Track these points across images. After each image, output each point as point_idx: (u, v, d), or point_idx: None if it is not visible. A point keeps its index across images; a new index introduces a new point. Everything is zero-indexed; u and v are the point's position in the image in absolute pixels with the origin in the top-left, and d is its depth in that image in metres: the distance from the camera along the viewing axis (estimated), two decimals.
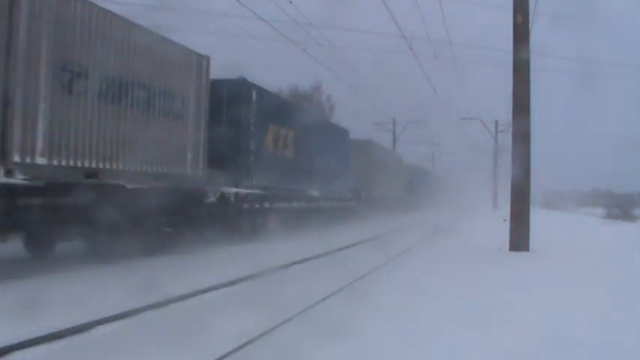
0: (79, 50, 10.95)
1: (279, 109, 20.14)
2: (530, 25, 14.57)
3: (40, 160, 10.13)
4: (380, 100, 69.20)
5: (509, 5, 14.53)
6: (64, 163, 10.65)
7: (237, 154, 17.04)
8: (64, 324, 6.62)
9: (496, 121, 56.25)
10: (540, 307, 7.77)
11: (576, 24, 62.26)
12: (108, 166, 11.77)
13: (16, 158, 9.61)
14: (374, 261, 12.70)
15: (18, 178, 9.63)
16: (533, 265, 12.32)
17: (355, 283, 9.98)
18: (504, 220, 16.69)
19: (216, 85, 16.42)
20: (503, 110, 53.34)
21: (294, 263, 12.81)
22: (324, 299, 8.38)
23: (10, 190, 9.56)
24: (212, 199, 15.58)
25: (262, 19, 17.36)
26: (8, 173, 9.51)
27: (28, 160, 9.84)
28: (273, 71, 56.74)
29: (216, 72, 16.00)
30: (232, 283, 10.09)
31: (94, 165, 11.39)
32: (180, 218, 14.10)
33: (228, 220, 16.49)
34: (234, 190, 16.63)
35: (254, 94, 17.73)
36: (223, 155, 16.14)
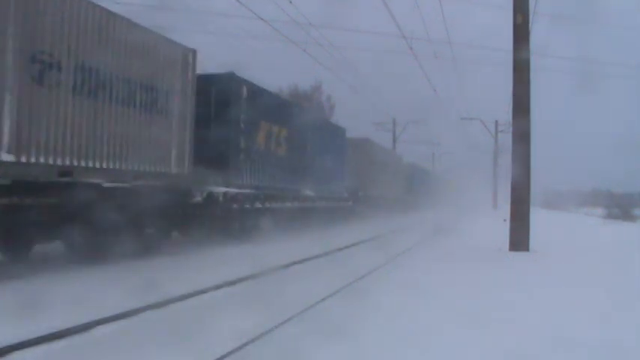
0: (50, 40, 10.18)
1: (272, 106, 19.22)
2: (530, 25, 14.43)
3: (6, 157, 9.37)
4: (380, 100, 68.90)
5: (509, 5, 14.42)
6: (33, 160, 9.89)
7: (226, 153, 16.15)
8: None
9: (496, 121, 55.85)
10: (540, 307, 7.67)
11: (576, 24, 61.81)
12: (83, 164, 10.98)
13: None
14: (371, 262, 12.32)
15: None
16: (533, 265, 12.14)
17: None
18: (504, 220, 16.51)
19: (204, 81, 15.65)
20: (503, 110, 52.79)
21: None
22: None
23: None
24: (198, 198, 14.75)
25: (262, 19, 17.15)
26: None
27: None
28: (273, 71, 56.49)
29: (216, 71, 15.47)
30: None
31: (67, 162, 10.62)
32: (164, 219, 13.28)
33: (217, 220, 15.64)
34: (222, 189, 15.78)
35: (244, 89, 16.89)
36: (212, 153, 15.33)
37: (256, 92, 17.77)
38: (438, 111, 64.23)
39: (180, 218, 14.05)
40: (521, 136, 14.34)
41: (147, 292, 8.36)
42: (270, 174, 18.87)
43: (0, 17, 9.16)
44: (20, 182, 9.65)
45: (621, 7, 76.59)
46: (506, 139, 45.57)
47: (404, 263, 12.68)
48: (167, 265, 12.24)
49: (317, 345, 5.64)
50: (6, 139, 9.33)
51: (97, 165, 11.32)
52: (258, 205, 17.99)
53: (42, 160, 10.03)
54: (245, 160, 17.04)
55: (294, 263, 12.40)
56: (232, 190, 16.16)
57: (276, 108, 19.68)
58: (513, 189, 14.69)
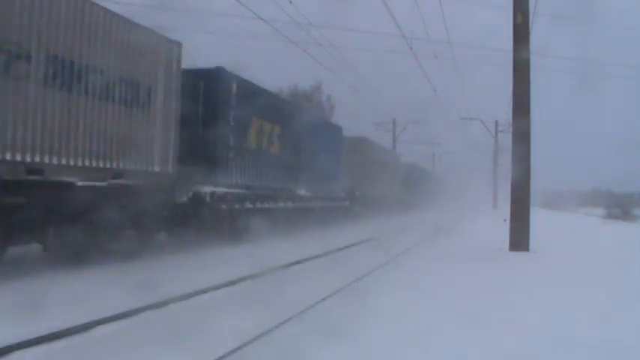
0: (18, 28, 9.39)
1: (264, 103, 18.32)
2: (530, 25, 14.32)
3: None
4: (380, 100, 68.02)
5: (509, 5, 14.30)
6: None
7: (214, 151, 15.31)
8: None
9: (496, 121, 55.25)
10: (540, 307, 7.60)
11: (576, 24, 61.23)
12: (55, 161, 10.20)
13: None
14: (369, 263, 11.97)
15: None
16: (533, 265, 12.04)
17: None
18: (504, 220, 16.37)
19: (192, 76, 14.89)
20: (503, 110, 52.17)
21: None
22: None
23: None
24: (183, 198, 13.92)
25: (262, 19, 16.92)
26: None
27: None
28: (273, 71, 55.98)
29: None
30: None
31: (37, 159, 9.83)
32: (146, 220, 12.48)
33: (205, 221, 14.76)
34: (209, 189, 14.93)
35: (234, 85, 16.06)
36: (199, 151, 14.53)
37: (247, 88, 16.92)
38: (438, 111, 63.60)
39: (165, 219, 13.21)
40: (521, 136, 14.19)
41: (147, 291, 8.23)
42: (262, 173, 18.02)
43: None
44: None
45: (621, 7, 76.02)
46: (506, 139, 45.17)
47: (404, 263, 12.46)
48: (167, 265, 11.94)
49: (317, 345, 5.55)
50: None
51: (71, 162, 10.54)
52: (248, 205, 17.10)
53: (8, 156, 9.25)
54: (235, 158, 16.20)
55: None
56: (220, 190, 15.33)
57: (269, 105, 18.77)
58: (513, 189, 14.54)
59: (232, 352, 5.63)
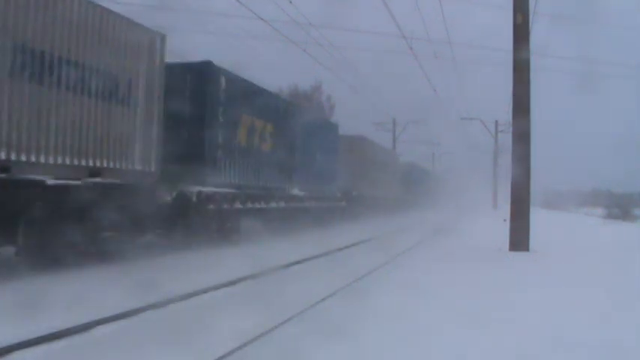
0: None
1: (255, 99, 17.49)
2: (530, 25, 14.24)
3: None
4: (380, 100, 67.09)
5: (509, 5, 14.21)
6: None
7: (201, 149, 14.49)
8: None
9: (496, 121, 54.70)
10: (540, 307, 7.51)
11: (576, 24, 60.60)
12: (24, 159, 9.46)
13: None
14: (366, 264, 11.65)
15: None
16: (533, 265, 11.95)
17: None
18: (504, 220, 16.27)
19: (178, 70, 14.18)
20: (503, 110, 51.57)
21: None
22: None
23: None
24: (167, 198, 13.12)
25: (262, 19, 16.76)
26: None
27: None
28: (273, 71, 55.53)
29: None
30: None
31: (3, 157, 9.10)
32: (126, 221, 11.70)
33: (190, 222, 13.95)
34: (195, 188, 14.13)
35: (223, 79, 15.24)
36: (186, 150, 13.77)
37: (237, 83, 16.10)
38: (438, 111, 63.01)
39: (147, 220, 12.41)
40: (521, 136, 14.09)
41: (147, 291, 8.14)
42: (253, 172, 17.20)
43: None
44: None
45: (621, 7, 75.37)
46: (506, 139, 44.76)
47: (404, 263, 12.32)
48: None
49: (317, 345, 5.48)
50: None
51: (42, 160, 9.79)
52: (238, 205, 16.24)
53: None
54: (223, 156, 15.38)
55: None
56: (208, 190, 14.51)
57: (261, 101, 17.91)
58: (513, 189, 14.43)
59: (232, 352, 5.53)
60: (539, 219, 17.52)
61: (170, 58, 13.56)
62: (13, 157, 9.23)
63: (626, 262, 12.58)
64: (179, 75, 14.05)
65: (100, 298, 7.98)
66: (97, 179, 10.97)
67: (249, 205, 16.88)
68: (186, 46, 14.58)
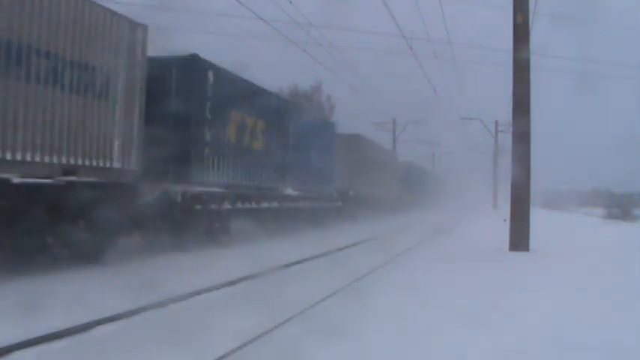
0: None
1: (246, 95, 16.64)
2: (530, 25, 14.17)
3: None
4: (380, 100, 66.62)
5: (509, 5, 14.16)
6: None
7: (187, 146, 13.66)
8: None
9: (496, 121, 54.73)
10: (540, 307, 7.44)
11: (576, 24, 60.04)
12: None
13: None
14: (367, 266, 11.25)
15: None
16: (533, 265, 11.87)
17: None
18: (504, 220, 16.21)
19: (162, 63, 13.42)
20: (503, 110, 51.12)
21: (237, 281, 9.76)
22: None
23: None
24: (148, 198, 12.33)
25: (262, 19, 16.68)
26: None
27: None
28: (273, 71, 55.19)
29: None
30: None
31: None
32: (104, 222, 10.96)
33: (175, 223, 13.11)
34: (180, 188, 13.32)
35: (210, 74, 14.42)
36: (171, 147, 12.93)
37: (226, 78, 15.25)
38: (438, 111, 62.68)
39: (127, 221, 11.65)
40: (521, 136, 14.03)
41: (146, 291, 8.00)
42: (244, 171, 16.36)
43: None
44: None
45: (621, 7, 74.69)
46: (506, 139, 44.64)
47: (403, 264, 12.17)
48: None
49: (317, 345, 5.43)
50: None
51: (8, 156, 9.02)
52: (227, 205, 15.38)
53: None
54: (211, 154, 14.55)
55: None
56: (193, 189, 13.70)
57: (251, 97, 17.06)
58: (513, 189, 14.35)
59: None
60: (539, 219, 17.45)
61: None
62: None
63: (626, 262, 12.50)
64: (164, 69, 13.30)
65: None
66: (72, 178, 10.21)
67: (240, 205, 16.05)
68: (186, 46, 14.14)
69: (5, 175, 8.87)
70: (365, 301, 7.75)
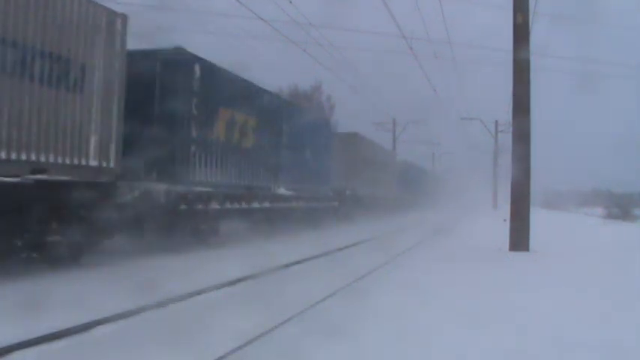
0: None
1: (236, 91, 15.83)
2: (530, 25, 14.04)
3: None
4: (380, 100, 66.17)
5: (509, 5, 14.02)
6: None
7: (172, 143, 12.87)
8: None
9: (496, 121, 54.31)
10: (540, 307, 7.33)
11: (576, 24, 59.41)
12: None
13: None
14: (366, 266, 11.00)
15: None
16: (533, 265, 11.72)
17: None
18: (504, 220, 16.09)
19: (146, 57, 12.72)
20: (504, 110, 50.64)
21: (218, 287, 9.01)
22: None
23: None
24: (127, 197, 11.53)
25: (262, 19, 16.52)
26: None
27: None
28: (273, 71, 54.95)
29: None
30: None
31: None
32: (78, 223, 10.22)
33: (158, 224, 12.33)
34: (163, 187, 12.52)
35: (197, 68, 13.63)
36: (155, 145, 12.26)
37: (213, 72, 14.47)
38: (438, 111, 62.19)
39: (105, 223, 10.88)
40: (521, 136, 13.89)
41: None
42: (233, 170, 15.53)
43: None
44: None
45: (621, 7, 74.00)
46: (507, 139, 44.36)
47: (403, 264, 11.97)
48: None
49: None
50: None
51: None
52: (215, 205, 14.55)
53: None
54: (198, 152, 13.76)
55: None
56: (178, 189, 12.90)
57: (242, 93, 16.24)
58: (513, 189, 14.19)
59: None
60: (539, 219, 17.32)
61: None
62: None
63: (626, 262, 12.38)
64: (148, 62, 12.58)
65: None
66: (42, 176, 9.47)
67: (229, 205, 15.22)
68: (186, 46, 13.65)
69: None
70: (365, 303, 7.53)
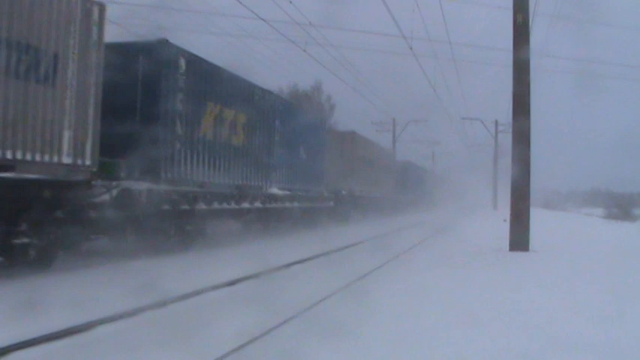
0: None
1: (224, 86, 15.01)
2: (530, 25, 13.97)
3: None
4: (380, 100, 65.37)
5: (509, 5, 13.95)
6: None
7: (155, 140, 12.11)
8: None
9: (496, 121, 54.44)
10: (540, 307, 7.28)
11: (576, 24, 58.73)
12: None
13: None
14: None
15: None
16: (533, 265, 11.56)
17: None
18: (504, 221, 16.09)
19: (129, 49, 12.12)
20: (504, 110, 50.24)
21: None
22: None
23: None
24: (105, 197, 10.76)
25: (262, 19, 16.26)
26: None
27: None
28: (273, 71, 54.63)
29: None
30: None
31: None
32: (47, 225, 9.48)
33: (138, 225, 11.59)
34: (144, 186, 11.75)
35: (182, 61, 12.88)
36: (136, 142, 11.53)
37: (200, 66, 13.71)
38: (438, 111, 61.37)
39: (80, 224, 10.13)
40: (522, 137, 13.82)
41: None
42: (222, 168, 14.71)
43: None
44: None
45: (621, 7, 73.40)
46: (507, 139, 43.88)
47: (403, 264, 11.85)
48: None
49: None
50: None
51: None
52: (201, 206, 13.77)
53: None
54: (183, 150, 12.98)
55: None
56: (160, 188, 12.11)
57: (231, 88, 15.43)
58: (513, 189, 14.09)
59: None
60: (539, 219, 17.22)
61: None
62: None
63: (626, 262, 12.32)
64: (130, 55, 11.91)
65: None
66: (9, 174, 8.75)
67: (217, 205, 14.44)
68: (186, 46, 13.23)
69: None
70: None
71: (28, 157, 9.13)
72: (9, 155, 8.79)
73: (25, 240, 9.10)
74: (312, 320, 6.67)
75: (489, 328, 6.09)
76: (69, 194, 9.86)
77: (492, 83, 64.16)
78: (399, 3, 18.19)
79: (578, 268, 11.27)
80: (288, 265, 11.35)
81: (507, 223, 14.12)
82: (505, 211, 17.20)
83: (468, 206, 64.71)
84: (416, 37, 32.46)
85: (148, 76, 12.09)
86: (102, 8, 10.56)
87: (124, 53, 11.81)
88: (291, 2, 15.79)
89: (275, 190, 17.79)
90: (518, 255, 13.01)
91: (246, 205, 16.07)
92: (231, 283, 9.11)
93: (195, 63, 13.42)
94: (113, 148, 11.12)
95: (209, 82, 14.04)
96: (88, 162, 10.30)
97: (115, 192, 10.82)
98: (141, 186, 11.56)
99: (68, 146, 9.89)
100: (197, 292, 8.16)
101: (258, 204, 16.71)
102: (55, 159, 9.65)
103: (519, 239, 13.48)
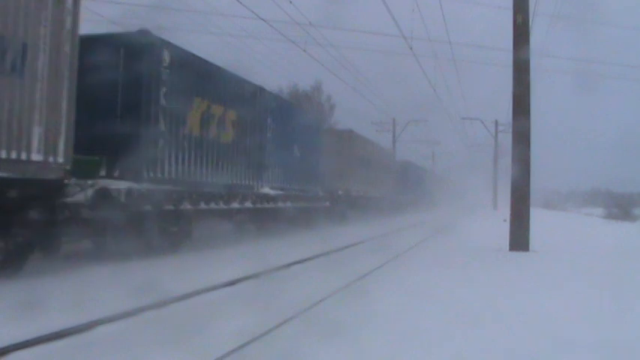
0: None
1: (212, 80, 14.17)
2: (530, 25, 13.98)
3: None
4: (380, 100, 64.93)
5: (509, 5, 13.97)
6: None
7: (137, 137, 11.38)
8: None
9: (496, 121, 54.59)
10: (540, 307, 7.16)
11: (576, 24, 58.22)
12: None
13: None
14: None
15: None
16: (533, 265, 11.60)
17: None
18: (504, 221, 16.17)
19: (109, 41, 11.38)
20: (504, 110, 49.92)
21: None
22: None
23: None
24: (79, 197, 10.00)
25: (262, 19, 16.32)
26: None
27: None
28: (273, 71, 54.42)
29: None
30: None
31: None
32: (17, 227, 8.77)
33: (118, 227, 10.77)
34: (124, 185, 10.99)
35: (166, 54, 12.09)
36: (116, 138, 10.87)
37: (186, 60, 12.94)
38: (438, 111, 61.21)
39: (52, 225, 9.38)
40: (521, 137, 13.85)
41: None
42: (210, 167, 13.91)
43: None
44: None
45: (621, 7, 72.81)
46: (507, 139, 43.72)
47: (403, 264, 11.70)
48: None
49: None
50: None
51: None
52: (187, 206, 12.98)
53: None
54: (167, 147, 12.20)
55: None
56: (141, 187, 11.32)
57: (219, 83, 14.58)
58: (513, 189, 14.11)
59: None
60: (539, 219, 17.21)
61: None
62: None
63: (626, 262, 12.29)
64: (110, 48, 11.16)
65: None
66: None
67: (203, 205, 13.66)
68: (186, 46, 12.98)
69: None
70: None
71: None
72: None
73: None
74: (313, 320, 6.59)
75: (489, 328, 6.10)
76: (39, 194, 9.15)
77: (492, 83, 63.93)
78: (399, 3, 18.31)
79: (578, 268, 11.29)
80: (288, 265, 11.09)
81: (507, 223, 14.12)
82: (505, 211, 17.21)
83: (468, 206, 64.59)
84: (416, 37, 32.34)
85: (129, 68, 11.35)
86: None
87: (105, 45, 11.14)
88: (291, 2, 15.77)
89: (267, 190, 17.02)
90: (518, 255, 13.02)
91: (235, 205, 15.28)
92: (231, 283, 8.90)
93: (181, 56, 12.66)
94: (92, 146, 10.46)
95: (196, 76, 13.26)
96: (60, 159, 9.53)
97: (90, 191, 10.07)
98: (120, 185, 10.83)
99: (38, 142, 9.13)
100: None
101: (248, 204, 15.92)
102: (24, 156, 8.88)
103: (519, 239, 13.52)
